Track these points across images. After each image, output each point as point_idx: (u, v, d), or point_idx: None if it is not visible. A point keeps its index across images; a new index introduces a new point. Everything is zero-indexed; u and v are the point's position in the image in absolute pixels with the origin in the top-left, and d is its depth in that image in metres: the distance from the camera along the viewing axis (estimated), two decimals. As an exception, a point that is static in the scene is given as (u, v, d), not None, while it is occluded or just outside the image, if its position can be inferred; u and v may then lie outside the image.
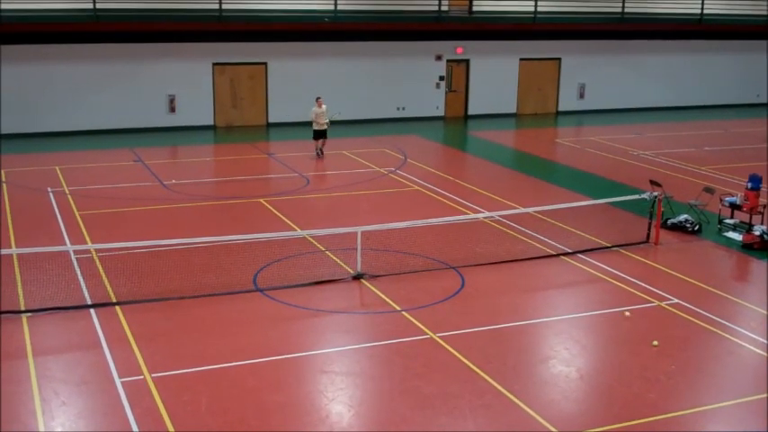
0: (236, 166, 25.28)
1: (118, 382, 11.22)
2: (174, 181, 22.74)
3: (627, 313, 12.84)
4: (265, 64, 31.62)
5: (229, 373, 11.63)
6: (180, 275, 15.22)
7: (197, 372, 11.63)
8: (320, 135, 26.04)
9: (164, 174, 23.59)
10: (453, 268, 15.96)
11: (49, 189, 21.49)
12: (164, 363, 11.82)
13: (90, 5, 28.05)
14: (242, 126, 31.61)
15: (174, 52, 30.20)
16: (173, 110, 30.58)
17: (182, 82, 30.50)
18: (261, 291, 14.66)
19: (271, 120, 32.05)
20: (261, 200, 20.78)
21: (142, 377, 11.38)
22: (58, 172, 23.52)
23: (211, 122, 31.27)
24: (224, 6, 29.81)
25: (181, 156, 27.51)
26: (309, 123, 31.80)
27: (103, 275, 15.16)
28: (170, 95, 30.45)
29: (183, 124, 30.60)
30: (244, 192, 21.70)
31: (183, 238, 15.97)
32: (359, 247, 15.29)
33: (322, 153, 25.95)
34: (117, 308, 13.73)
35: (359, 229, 15.45)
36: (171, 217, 19.40)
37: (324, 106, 25.83)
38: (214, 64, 30.91)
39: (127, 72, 29.70)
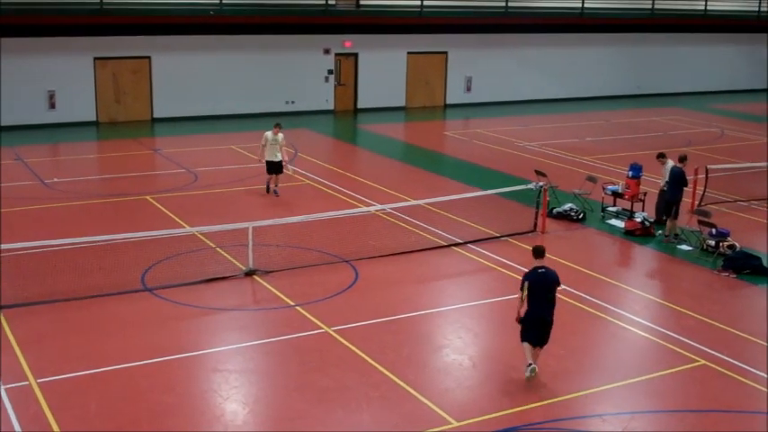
0: (120, 163, 24.60)
1: (1, 389, 10.79)
2: (55, 179, 21.99)
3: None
4: (149, 58, 30.88)
5: (119, 375, 11.35)
6: (65, 277, 14.73)
7: (85, 375, 11.29)
8: (274, 168, 20.89)
9: (45, 172, 22.78)
10: (347, 262, 15.97)
11: None
12: (50, 367, 11.44)
13: (-39, -3, 26.84)
14: (126, 122, 30.77)
15: (53, 46, 29.13)
16: (53, 106, 29.52)
17: (62, 77, 29.44)
18: (150, 290, 14.33)
19: (156, 115, 31.31)
20: (147, 197, 20.31)
21: (27, 383, 10.99)
22: (-69, 172, 22.42)
23: (94, 118, 30.33)
24: (105, -1, 29.01)
25: (62, 153, 26.61)
26: (198, 118, 31.17)
27: (-18, 279, 14.54)
28: (50, 91, 29.38)
29: (64, 121, 29.56)
30: (129, 189, 21.16)
31: (66, 237, 15.38)
32: (250, 243, 15.12)
33: (277, 192, 20.85)
34: (-2, 312, 13.21)
35: (250, 225, 15.28)
36: (54, 216, 18.75)
37: (280, 135, 20.82)
38: (95, 58, 29.98)
39: (2, 67, 28.50)
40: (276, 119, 31.63)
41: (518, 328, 11.45)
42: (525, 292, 11.21)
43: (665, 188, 18.22)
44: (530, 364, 11.32)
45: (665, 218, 17.96)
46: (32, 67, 28.90)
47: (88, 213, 19.14)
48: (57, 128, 29.12)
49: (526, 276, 11.36)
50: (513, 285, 14.83)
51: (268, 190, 20.97)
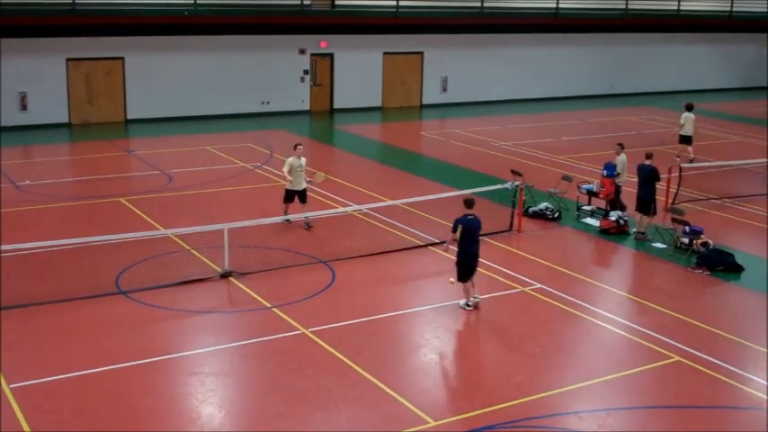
0: (94, 165, 24.40)
1: (-27, 394, 10.68)
2: (28, 182, 21.77)
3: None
4: (122, 59, 30.66)
5: (94, 379, 11.25)
6: (38, 280, 14.59)
7: (60, 379, 11.18)
8: (294, 196, 18.11)
9: (17, 175, 22.54)
10: (323, 262, 15.93)
11: None
12: (24, 372, 11.31)
13: (-69, -2, 26.51)
14: (99, 123, 30.52)
15: (25, 47, 28.85)
16: (24, 108, 29.25)
17: (33, 79, 29.15)
18: (124, 293, 14.22)
19: (129, 116, 31.09)
20: (121, 199, 20.16)
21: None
22: None
23: (66, 120, 30.07)
24: (77, -1, 28.77)
25: (35, 155, 26.36)
26: (172, 119, 30.96)
27: (-46, 283, 14.36)
28: (21, 93, 29.10)
29: (36, 122, 29.27)
30: (103, 191, 20.99)
31: (39, 241, 15.23)
32: (226, 245, 15.04)
33: (309, 225, 18.02)
34: (-30, 316, 13.05)
35: (225, 226, 15.19)
36: (26, 220, 18.54)
37: (303, 159, 18.20)
38: (68, 59, 29.73)
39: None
40: (251, 119, 31.74)
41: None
42: (458, 234, 13.53)
43: (617, 181, 19.01)
44: (475, 297, 13.79)
45: (639, 213, 18.00)
46: (3, 69, 28.59)
47: (61, 216, 18.98)
48: (28, 130, 28.84)
49: (459, 221, 13.61)
50: (490, 284, 14.93)
51: (289, 220, 18.18)
